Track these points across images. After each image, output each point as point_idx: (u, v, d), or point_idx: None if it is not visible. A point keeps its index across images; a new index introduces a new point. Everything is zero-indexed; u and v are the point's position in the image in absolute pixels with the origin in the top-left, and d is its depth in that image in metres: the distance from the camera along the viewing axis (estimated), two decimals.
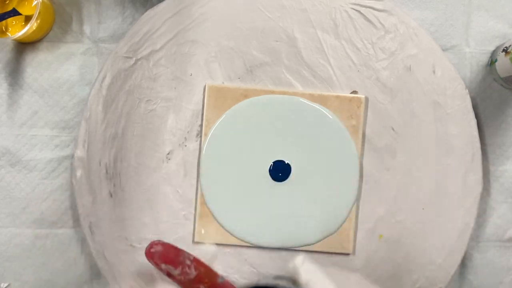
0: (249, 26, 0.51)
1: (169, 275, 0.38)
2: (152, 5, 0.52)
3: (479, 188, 0.50)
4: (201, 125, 0.51)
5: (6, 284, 0.53)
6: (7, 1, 0.50)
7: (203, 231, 0.51)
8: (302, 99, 0.50)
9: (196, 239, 0.51)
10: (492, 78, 0.53)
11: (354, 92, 0.51)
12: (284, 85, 0.51)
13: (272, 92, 0.51)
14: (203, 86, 0.51)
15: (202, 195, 0.51)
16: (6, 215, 0.53)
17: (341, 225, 0.50)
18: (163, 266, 0.38)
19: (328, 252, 0.51)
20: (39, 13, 0.48)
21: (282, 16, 0.51)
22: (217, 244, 0.51)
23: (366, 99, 0.51)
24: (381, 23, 0.51)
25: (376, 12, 0.51)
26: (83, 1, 0.53)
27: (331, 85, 0.51)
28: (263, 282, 0.40)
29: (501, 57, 0.50)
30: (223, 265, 0.51)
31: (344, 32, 0.51)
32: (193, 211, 0.51)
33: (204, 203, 0.51)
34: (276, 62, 0.51)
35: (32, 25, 0.49)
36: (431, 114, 0.51)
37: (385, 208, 0.51)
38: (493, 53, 0.52)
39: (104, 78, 0.51)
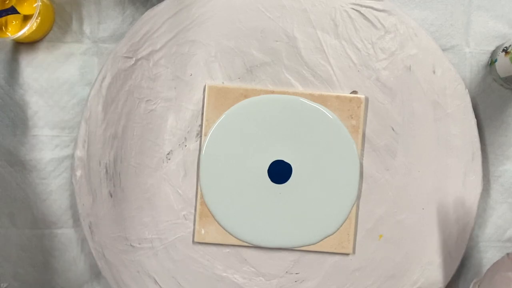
0: (249, 26, 0.51)
1: None
2: (152, 5, 0.52)
3: (479, 188, 0.50)
4: (201, 125, 0.51)
5: (5, 284, 0.53)
6: (7, 1, 0.50)
7: (203, 231, 0.51)
8: (302, 99, 0.50)
9: (196, 239, 0.51)
10: (492, 78, 0.53)
11: (354, 92, 0.51)
12: (284, 85, 0.51)
13: (272, 92, 0.51)
14: (203, 86, 0.51)
15: (202, 195, 0.51)
16: (6, 215, 0.53)
17: (341, 225, 0.50)
18: None
19: (328, 252, 0.51)
20: (38, 12, 0.48)
21: (282, 16, 0.51)
22: (217, 244, 0.51)
23: (366, 99, 0.51)
24: (381, 23, 0.51)
25: (376, 12, 0.51)
26: (83, 1, 0.53)
27: (331, 85, 0.51)
28: None
29: (501, 57, 0.50)
30: (223, 265, 0.51)
31: (344, 32, 0.51)
32: (193, 211, 0.51)
33: (204, 203, 0.51)
34: (276, 62, 0.51)
35: (32, 25, 0.49)
36: (431, 114, 0.51)
37: (385, 208, 0.51)
38: (493, 53, 0.52)
39: (104, 78, 0.51)
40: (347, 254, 0.51)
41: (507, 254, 0.43)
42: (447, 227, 0.50)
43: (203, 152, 0.51)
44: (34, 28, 0.50)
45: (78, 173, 0.50)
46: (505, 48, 0.50)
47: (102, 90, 0.51)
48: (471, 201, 0.50)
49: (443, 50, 0.51)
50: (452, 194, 0.50)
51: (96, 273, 0.53)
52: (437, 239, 0.50)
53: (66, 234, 0.53)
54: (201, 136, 0.51)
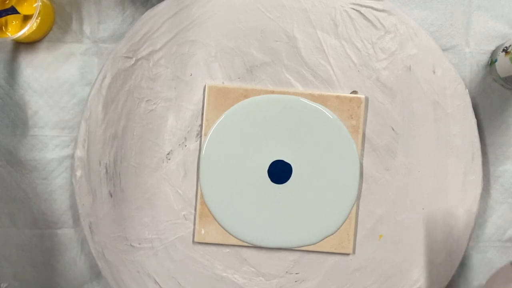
0: (249, 26, 0.51)
1: None
2: (152, 5, 0.52)
3: (479, 188, 0.50)
4: (201, 125, 0.51)
5: (5, 284, 0.53)
6: (7, 1, 0.50)
7: (203, 231, 0.51)
8: (302, 99, 0.50)
9: (196, 239, 0.51)
10: (492, 78, 0.53)
11: (354, 92, 0.51)
12: (284, 85, 0.51)
13: (272, 92, 0.51)
14: (203, 86, 0.51)
15: (202, 195, 0.51)
16: (6, 215, 0.53)
17: (341, 225, 0.50)
18: None
19: (328, 252, 0.51)
20: (38, 12, 0.48)
21: (282, 16, 0.51)
22: (217, 244, 0.51)
23: (366, 99, 0.51)
24: (381, 23, 0.51)
25: (376, 12, 0.51)
26: (83, 1, 0.53)
27: (331, 85, 0.51)
28: None
29: (501, 57, 0.50)
30: (223, 265, 0.51)
31: (344, 32, 0.51)
32: (193, 211, 0.51)
33: (204, 203, 0.51)
34: (276, 62, 0.51)
35: (32, 25, 0.49)
36: (431, 114, 0.51)
37: (385, 208, 0.51)
38: (493, 53, 0.52)
39: (104, 78, 0.51)
40: (347, 254, 0.51)
41: (511, 262, 0.43)
42: (447, 227, 0.50)
43: (203, 152, 0.51)
44: (34, 28, 0.50)
45: (78, 173, 0.50)
46: (505, 48, 0.50)
47: (102, 90, 0.51)
48: (471, 201, 0.50)
49: (443, 50, 0.51)
50: (452, 194, 0.50)
51: (96, 273, 0.53)
52: (437, 239, 0.50)
53: (66, 234, 0.53)
54: (201, 136, 0.51)
